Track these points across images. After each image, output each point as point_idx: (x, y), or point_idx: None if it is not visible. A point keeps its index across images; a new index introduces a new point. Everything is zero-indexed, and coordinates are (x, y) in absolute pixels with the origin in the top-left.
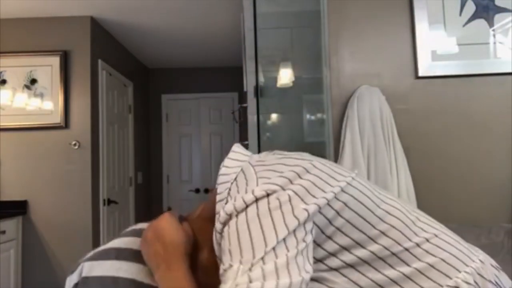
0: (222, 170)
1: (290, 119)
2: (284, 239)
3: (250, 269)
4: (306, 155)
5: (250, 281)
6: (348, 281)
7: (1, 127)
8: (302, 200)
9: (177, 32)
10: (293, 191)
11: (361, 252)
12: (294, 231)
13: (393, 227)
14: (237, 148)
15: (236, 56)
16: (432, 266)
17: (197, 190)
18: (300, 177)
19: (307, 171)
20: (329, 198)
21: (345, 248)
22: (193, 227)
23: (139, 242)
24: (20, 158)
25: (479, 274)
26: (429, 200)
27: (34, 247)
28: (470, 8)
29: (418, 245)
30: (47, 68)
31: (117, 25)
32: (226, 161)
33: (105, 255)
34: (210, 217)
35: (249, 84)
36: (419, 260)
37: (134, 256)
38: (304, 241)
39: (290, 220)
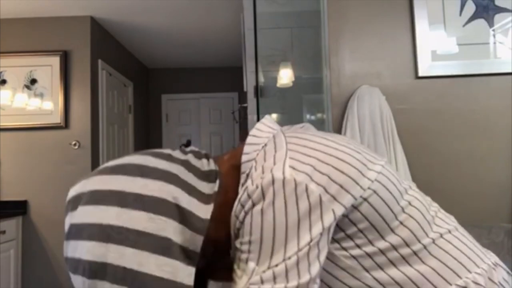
0: (254, 131)
1: (290, 119)
2: (303, 246)
3: (263, 271)
4: (337, 137)
5: (262, 282)
6: (359, 266)
7: (1, 127)
8: (335, 198)
9: (177, 32)
10: (324, 188)
11: (381, 243)
12: (316, 236)
13: (412, 217)
14: (269, 117)
15: (236, 56)
16: (444, 264)
17: None
18: (334, 168)
19: (342, 162)
20: (361, 194)
21: (366, 236)
22: (222, 168)
23: (170, 166)
24: (20, 158)
25: (489, 278)
26: None
27: (34, 247)
28: (470, 8)
29: (433, 240)
30: (47, 68)
31: (117, 25)
32: (259, 125)
33: (122, 170)
34: (238, 165)
35: (249, 84)
36: (433, 257)
37: (168, 176)
38: (321, 234)
39: (316, 229)
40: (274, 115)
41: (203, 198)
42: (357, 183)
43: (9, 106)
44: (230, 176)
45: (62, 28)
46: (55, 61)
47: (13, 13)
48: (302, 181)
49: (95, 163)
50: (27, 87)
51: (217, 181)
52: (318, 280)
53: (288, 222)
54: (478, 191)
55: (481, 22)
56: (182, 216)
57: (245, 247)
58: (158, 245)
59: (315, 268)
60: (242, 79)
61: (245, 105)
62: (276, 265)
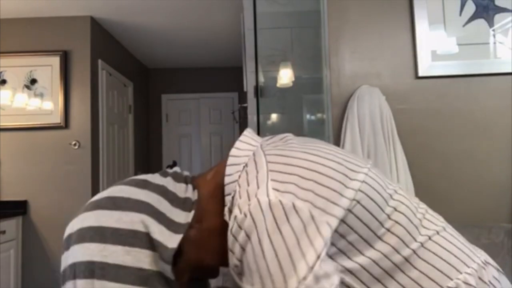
0: (233, 151)
1: (290, 119)
2: (313, 262)
3: None
4: (319, 148)
5: None
6: (354, 278)
7: (1, 127)
8: (324, 211)
9: (177, 32)
10: (312, 203)
11: (370, 252)
12: (321, 249)
13: (399, 223)
14: (248, 132)
15: (236, 56)
16: (434, 266)
17: None
18: (317, 183)
19: (323, 176)
20: (347, 206)
21: (355, 246)
22: (206, 189)
23: (144, 194)
24: (20, 158)
25: (479, 277)
26: (429, 200)
27: (34, 247)
28: (470, 8)
29: (422, 244)
30: (47, 68)
31: (117, 25)
32: (237, 143)
33: (100, 205)
34: (221, 185)
35: (249, 84)
36: (423, 260)
37: (139, 206)
38: (325, 244)
39: (318, 242)
40: (274, 115)
41: (173, 226)
42: (342, 195)
43: (9, 106)
44: (214, 198)
45: (62, 28)
46: (55, 61)
47: (13, 13)
48: (288, 201)
49: (95, 163)
50: (27, 87)
51: (192, 212)
52: None
53: (288, 244)
54: (478, 191)
55: (481, 22)
56: (153, 244)
57: (258, 286)
58: (137, 276)
59: (335, 280)
60: (242, 79)
61: (245, 105)
62: None
